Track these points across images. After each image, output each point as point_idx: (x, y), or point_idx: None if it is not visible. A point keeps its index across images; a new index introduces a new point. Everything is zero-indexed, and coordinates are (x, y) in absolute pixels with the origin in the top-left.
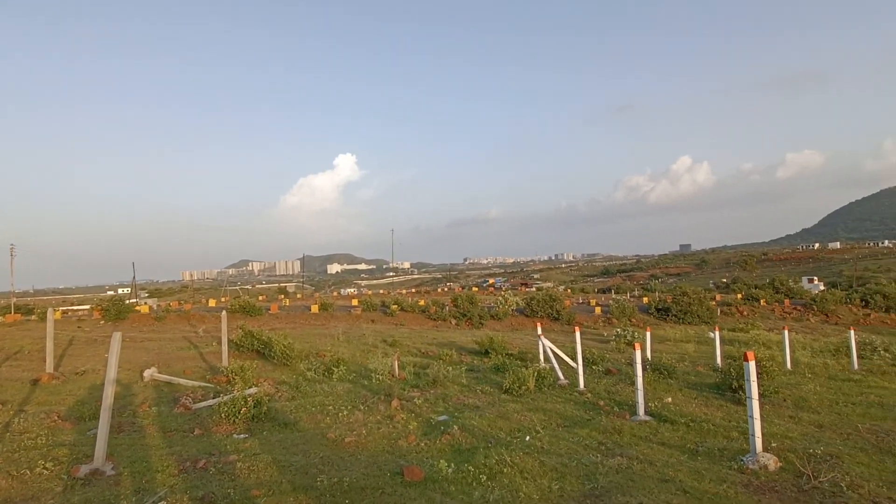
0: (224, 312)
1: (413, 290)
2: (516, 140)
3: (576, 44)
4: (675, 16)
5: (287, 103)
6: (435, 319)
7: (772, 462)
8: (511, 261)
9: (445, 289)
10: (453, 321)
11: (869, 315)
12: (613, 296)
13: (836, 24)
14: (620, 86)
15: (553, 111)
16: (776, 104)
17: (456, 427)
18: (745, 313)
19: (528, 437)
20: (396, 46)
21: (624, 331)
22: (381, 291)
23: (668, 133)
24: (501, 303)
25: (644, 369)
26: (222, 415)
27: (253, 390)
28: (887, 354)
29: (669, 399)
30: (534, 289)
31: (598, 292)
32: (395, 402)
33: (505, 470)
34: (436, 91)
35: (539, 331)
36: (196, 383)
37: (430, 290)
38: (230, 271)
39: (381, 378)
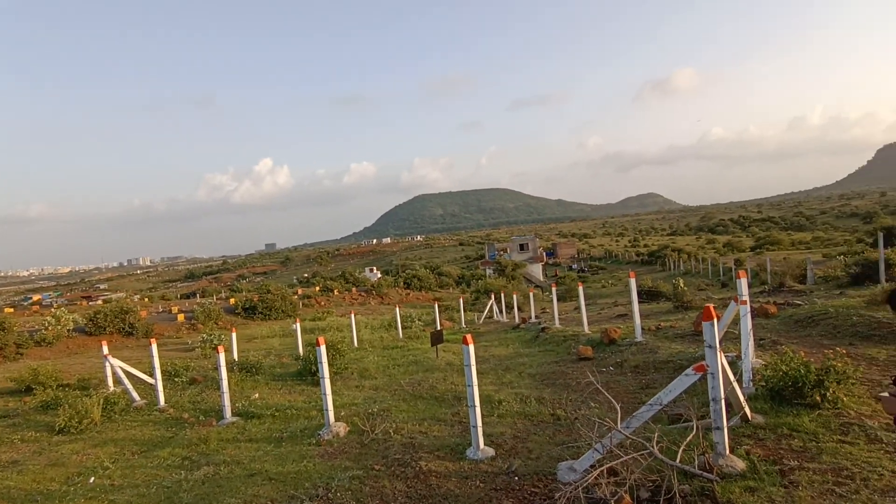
0: None
1: None
2: (65, 130)
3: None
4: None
5: None
6: None
7: (342, 429)
8: (66, 270)
9: None
10: None
11: (409, 294)
12: (199, 300)
13: (385, 57)
14: (199, 77)
15: (125, 97)
16: (342, 119)
17: None
18: (322, 303)
19: (92, 479)
20: None
21: (210, 335)
22: None
23: (251, 133)
24: (52, 323)
25: (231, 371)
26: None
27: None
28: (420, 322)
29: (257, 395)
30: (100, 301)
31: (181, 298)
32: None
33: None
34: None
35: (105, 350)
36: None
37: None
38: None
39: None
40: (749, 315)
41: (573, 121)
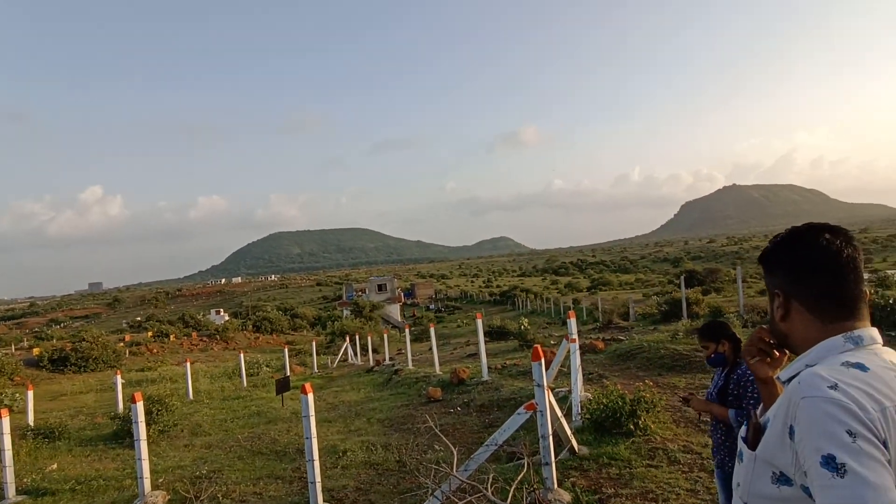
0: None
1: None
2: None
3: None
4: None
5: None
6: None
7: (160, 498)
8: None
9: None
10: None
11: (258, 338)
12: None
13: (242, 89)
14: (11, 89)
15: None
16: (191, 149)
17: None
18: (155, 351)
19: None
20: None
21: (0, 394)
22: None
23: (76, 156)
24: None
25: (22, 437)
26: None
27: None
28: (268, 369)
29: (55, 465)
30: None
31: None
32: None
33: None
34: None
35: None
36: None
37: None
38: None
39: None
40: (578, 352)
41: (433, 165)
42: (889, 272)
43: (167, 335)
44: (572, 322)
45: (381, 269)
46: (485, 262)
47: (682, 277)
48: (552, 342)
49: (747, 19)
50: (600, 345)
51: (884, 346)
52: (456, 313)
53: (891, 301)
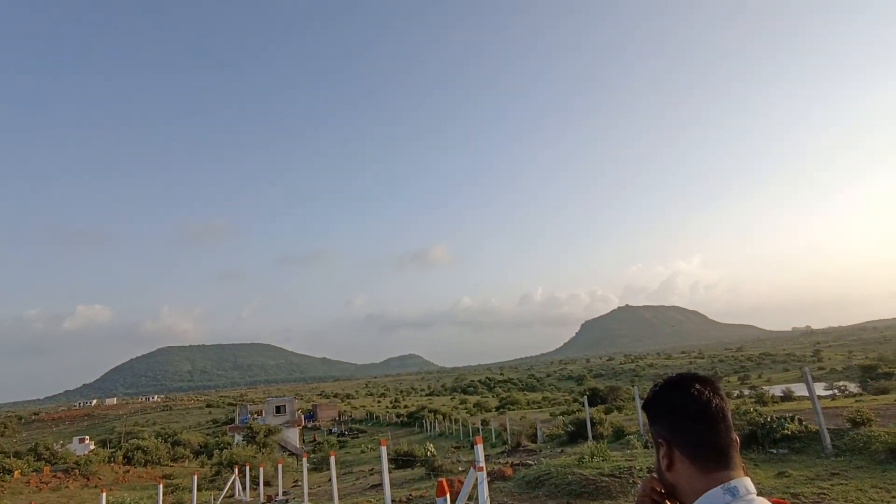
0: None
1: None
2: None
3: None
4: None
5: None
6: None
7: None
8: None
9: None
10: None
11: (129, 471)
12: None
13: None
14: None
15: None
16: (69, 254)
17: None
18: None
19: None
20: None
21: None
22: None
23: None
24: None
25: None
26: None
27: None
28: None
29: None
30: None
31: None
32: None
33: None
34: None
35: None
36: None
37: None
38: None
39: None
40: (486, 482)
41: (341, 279)
42: (765, 388)
43: (10, 471)
44: (479, 449)
45: (281, 389)
46: (393, 380)
47: (586, 397)
48: (460, 468)
49: (630, 155)
50: (508, 471)
51: (758, 495)
52: (361, 437)
53: (768, 419)
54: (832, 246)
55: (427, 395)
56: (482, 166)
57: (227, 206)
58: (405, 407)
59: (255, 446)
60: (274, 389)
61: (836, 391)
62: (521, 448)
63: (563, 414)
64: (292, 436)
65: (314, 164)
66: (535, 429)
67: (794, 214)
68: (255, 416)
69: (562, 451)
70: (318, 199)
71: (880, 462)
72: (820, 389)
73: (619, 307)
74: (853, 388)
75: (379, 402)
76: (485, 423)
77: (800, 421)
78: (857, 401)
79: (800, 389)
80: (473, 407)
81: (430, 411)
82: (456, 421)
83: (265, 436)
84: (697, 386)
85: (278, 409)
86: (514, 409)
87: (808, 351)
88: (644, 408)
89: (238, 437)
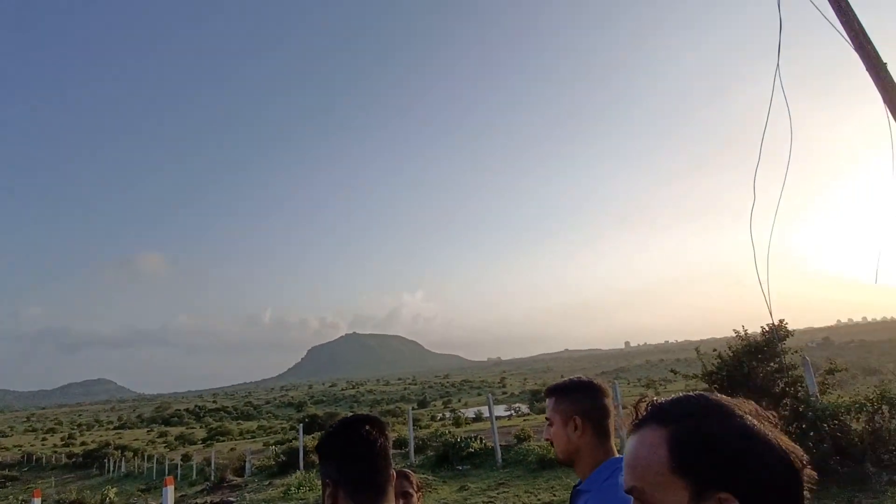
0: None
1: None
2: None
3: None
4: None
5: None
6: None
7: None
8: None
9: None
10: None
11: None
12: None
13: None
14: None
15: None
16: None
17: None
18: None
19: None
20: None
21: None
22: None
23: None
24: None
25: None
26: None
27: None
28: None
29: None
30: None
31: None
32: None
33: None
34: None
35: None
36: None
37: None
38: None
39: None
40: None
41: (6, 284)
42: (462, 411)
43: None
44: (168, 491)
45: None
46: (70, 411)
47: (302, 425)
48: None
49: (345, 197)
50: None
51: None
52: (10, 486)
53: (458, 439)
54: (517, 292)
55: (116, 428)
56: (216, 178)
57: None
58: (81, 444)
59: None
60: None
61: (512, 412)
62: (226, 483)
63: (276, 443)
64: None
65: None
66: (244, 461)
67: (496, 262)
68: None
69: (269, 483)
70: None
71: (533, 471)
72: (501, 410)
73: (346, 334)
74: (525, 408)
75: (44, 439)
76: (186, 458)
77: (481, 440)
78: (524, 420)
79: (487, 411)
80: (175, 440)
81: (116, 448)
82: (150, 458)
83: None
84: (367, 427)
85: None
86: (223, 441)
87: (497, 378)
88: (316, 449)
89: None
